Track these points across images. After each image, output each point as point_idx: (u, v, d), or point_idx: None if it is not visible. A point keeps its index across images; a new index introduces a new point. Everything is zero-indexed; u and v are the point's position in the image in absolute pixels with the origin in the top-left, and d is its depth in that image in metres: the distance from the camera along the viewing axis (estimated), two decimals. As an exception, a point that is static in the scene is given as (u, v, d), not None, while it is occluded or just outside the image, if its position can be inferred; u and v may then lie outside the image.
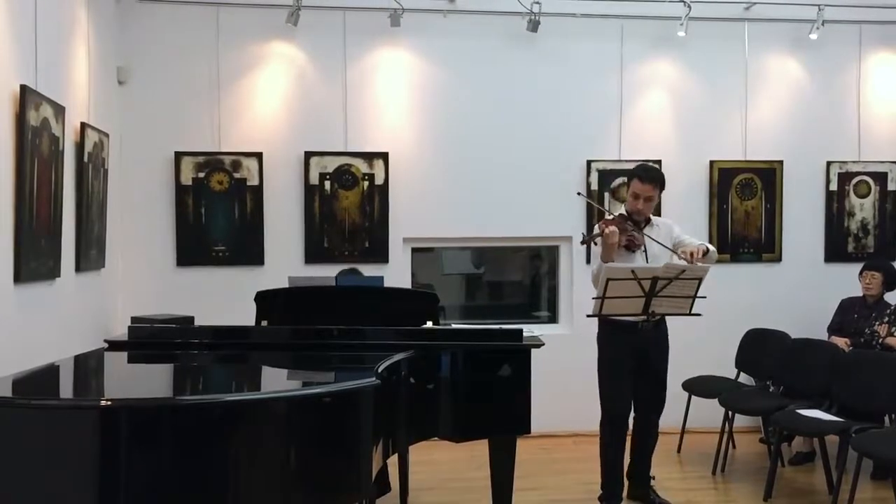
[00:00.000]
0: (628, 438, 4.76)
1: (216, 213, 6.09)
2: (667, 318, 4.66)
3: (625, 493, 4.76)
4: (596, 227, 4.60)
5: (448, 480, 5.30)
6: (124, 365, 3.77)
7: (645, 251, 4.62)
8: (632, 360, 4.61)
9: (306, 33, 6.14)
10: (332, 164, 6.20)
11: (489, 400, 3.84)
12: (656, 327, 4.65)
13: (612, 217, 4.73)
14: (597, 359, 4.72)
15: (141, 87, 6.01)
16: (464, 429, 3.86)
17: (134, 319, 4.83)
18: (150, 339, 3.98)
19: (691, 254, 4.42)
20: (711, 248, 4.64)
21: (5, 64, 3.86)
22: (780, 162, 6.66)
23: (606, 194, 6.45)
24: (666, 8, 6.34)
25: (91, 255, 5.17)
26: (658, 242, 4.59)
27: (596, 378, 4.72)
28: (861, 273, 6.03)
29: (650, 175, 4.69)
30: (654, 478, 4.86)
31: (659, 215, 5.21)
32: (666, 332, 4.74)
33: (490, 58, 6.36)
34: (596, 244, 4.52)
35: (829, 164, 6.71)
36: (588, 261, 6.32)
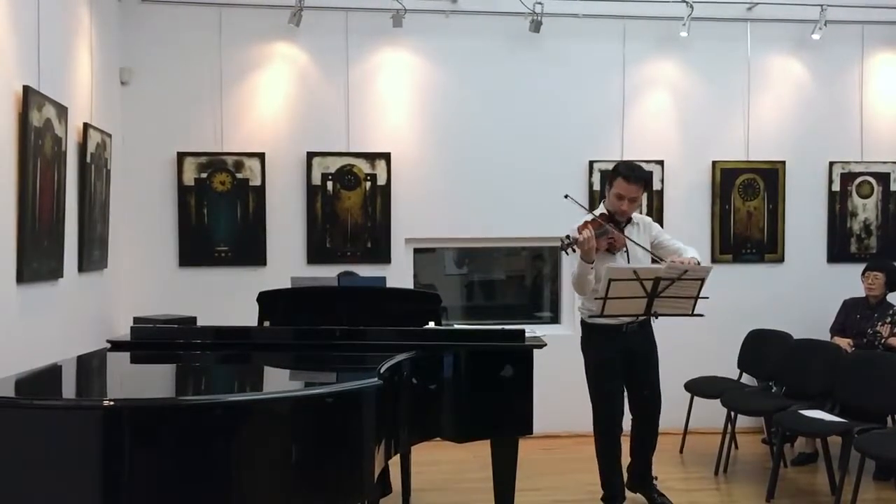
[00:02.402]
0: (626, 440, 4.73)
1: (218, 214, 6.10)
2: (663, 318, 4.48)
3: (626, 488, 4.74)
4: (573, 231, 4.39)
5: (450, 481, 5.30)
6: (127, 365, 3.77)
7: (627, 251, 4.53)
8: (619, 362, 4.55)
9: (308, 34, 6.14)
10: (334, 165, 6.21)
11: (491, 400, 3.83)
12: (641, 329, 4.59)
13: (592, 217, 4.53)
14: (584, 364, 4.66)
15: (143, 88, 6.02)
16: (466, 429, 3.86)
17: (136, 320, 4.84)
18: (153, 340, 3.98)
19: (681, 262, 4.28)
20: (696, 257, 4.42)
21: (8, 65, 3.87)
22: (783, 162, 6.66)
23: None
24: (668, 8, 6.34)
25: (94, 255, 5.17)
26: (638, 244, 4.49)
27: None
28: (864, 273, 6.02)
29: (636, 175, 4.52)
30: (656, 478, 4.85)
31: (645, 213, 5.07)
32: (652, 334, 4.67)
33: (492, 58, 6.37)
34: (574, 251, 4.35)
35: (831, 164, 6.71)
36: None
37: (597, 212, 4.68)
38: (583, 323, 4.64)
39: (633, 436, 4.79)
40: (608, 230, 4.44)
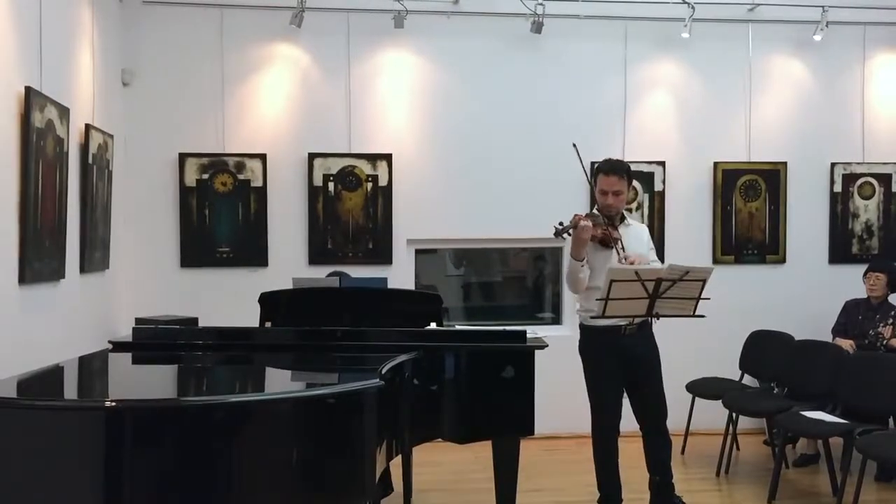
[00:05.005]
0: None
1: (220, 215, 6.10)
2: (664, 319, 4.41)
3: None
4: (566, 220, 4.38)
5: (452, 482, 5.30)
6: (129, 366, 3.78)
7: (622, 248, 4.44)
8: (619, 368, 4.45)
9: (310, 35, 6.14)
10: (335, 166, 6.21)
11: (493, 401, 3.84)
12: (640, 331, 4.50)
13: (584, 215, 4.48)
14: (582, 368, 4.58)
15: (145, 89, 6.03)
16: (467, 430, 3.87)
17: (138, 320, 4.85)
18: (155, 341, 3.98)
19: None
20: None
21: (10, 66, 3.87)
22: (784, 163, 6.65)
23: (610, 196, 6.45)
24: (669, 9, 6.34)
25: (95, 256, 5.18)
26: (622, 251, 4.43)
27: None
28: (865, 274, 6.02)
29: (613, 167, 4.56)
30: (681, 497, 4.68)
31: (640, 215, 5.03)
32: (652, 336, 4.58)
33: (493, 59, 6.37)
34: (569, 235, 4.32)
35: (833, 165, 6.71)
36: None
37: (587, 212, 4.66)
38: (581, 326, 4.61)
39: (644, 441, 4.62)
40: (600, 223, 4.44)
